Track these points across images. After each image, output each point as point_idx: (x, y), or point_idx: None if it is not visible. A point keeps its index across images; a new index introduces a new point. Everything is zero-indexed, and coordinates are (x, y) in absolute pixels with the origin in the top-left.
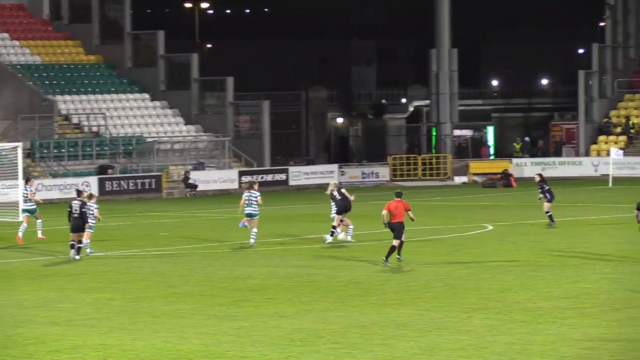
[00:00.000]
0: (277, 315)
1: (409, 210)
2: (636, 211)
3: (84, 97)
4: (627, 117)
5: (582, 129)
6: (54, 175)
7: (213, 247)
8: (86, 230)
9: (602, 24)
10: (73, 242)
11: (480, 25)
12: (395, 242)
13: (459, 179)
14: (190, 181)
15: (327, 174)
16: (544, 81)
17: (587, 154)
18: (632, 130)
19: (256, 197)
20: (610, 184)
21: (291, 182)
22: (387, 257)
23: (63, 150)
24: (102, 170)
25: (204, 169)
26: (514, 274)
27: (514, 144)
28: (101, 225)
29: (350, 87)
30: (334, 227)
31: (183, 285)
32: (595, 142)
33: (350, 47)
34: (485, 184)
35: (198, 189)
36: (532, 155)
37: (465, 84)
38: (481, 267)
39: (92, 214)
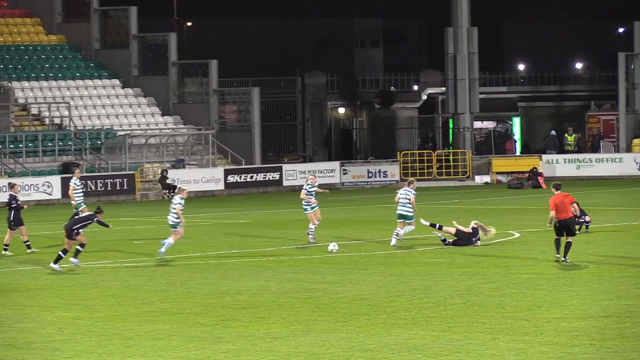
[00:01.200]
0: (269, 337)
1: (575, 202)
2: None
3: (44, 83)
4: None
5: (623, 121)
6: (10, 175)
7: (195, 258)
8: (173, 230)
9: None
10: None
11: (504, 0)
12: (570, 239)
13: (480, 179)
14: (168, 181)
15: (327, 172)
16: (579, 65)
17: (628, 149)
18: None
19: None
20: None
21: (285, 182)
22: (565, 255)
23: (21, 146)
24: (65, 168)
25: (183, 167)
26: (544, 288)
27: (566, 135)
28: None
29: (353, 72)
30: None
31: (160, 302)
32: (637, 136)
33: (352, 26)
34: (511, 185)
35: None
36: (560, 152)
37: (486, 69)
38: (506, 281)
39: (175, 211)
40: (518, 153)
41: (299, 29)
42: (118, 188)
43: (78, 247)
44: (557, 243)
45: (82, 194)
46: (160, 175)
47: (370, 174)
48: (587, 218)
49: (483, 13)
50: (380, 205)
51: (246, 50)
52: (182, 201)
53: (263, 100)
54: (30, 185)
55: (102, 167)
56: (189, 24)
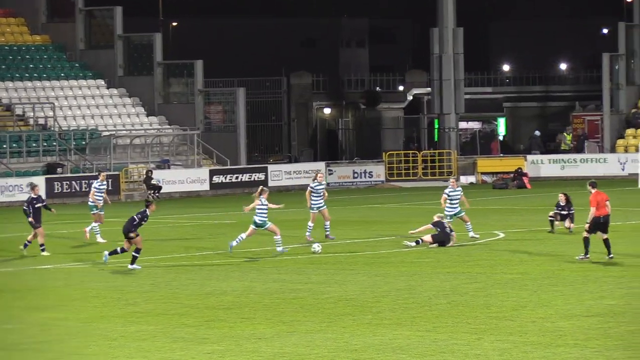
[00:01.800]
0: (254, 338)
1: (608, 200)
2: None
3: (28, 83)
4: None
5: (607, 121)
6: None
7: (180, 259)
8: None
9: None
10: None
11: (490, 0)
12: (605, 236)
13: (465, 179)
14: (153, 181)
15: (312, 173)
16: (563, 66)
17: (612, 149)
18: None
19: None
20: (639, 185)
21: (271, 183)
22: (609, 252)
23: (4, 146)
24: (50, 169)
25: (169, 168)
26: (529, 288)
27: (564, 133)
28: (49, 233)
29: (339, 73)
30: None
31: (145, 303)
32: (622, 137)
33: (339, 26)
34: (496, 185)
35: (162, 191)
36: (545, 152)
37: (472, 69)
38: (491, 281)
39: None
40: (502, 153)
41: (285, 29)
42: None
43: (133, 252)
44: (587, 242)
45: (100, 199)
46: (145, 176)
47: (355, 175)
48: (567, 223)
49: (469, 14)
50: (365, 206)
51: (232, 50)
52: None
53: (249, 100)
54: (15, 186)
55: (86, 168)
56: (175, 24)
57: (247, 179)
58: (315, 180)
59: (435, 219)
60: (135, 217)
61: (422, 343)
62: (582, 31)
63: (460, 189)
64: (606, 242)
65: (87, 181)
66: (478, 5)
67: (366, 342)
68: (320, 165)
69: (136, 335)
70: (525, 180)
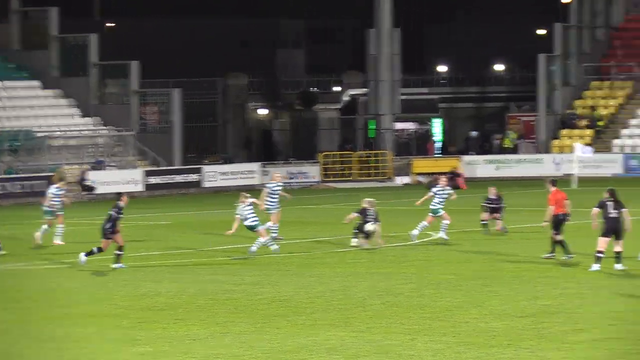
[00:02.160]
0: (188, 339)
1: (567, 199)
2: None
3: None
4: (593, 107)
5: (543, 122)
6: None
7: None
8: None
9: (565, 0)
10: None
11: (426, 2)
12: (560, 237)
13: (400, 180)
14: (87, 182)
15: (247, 174)
16: (499, 67)
17: (547, 150)
18: (599, 123)
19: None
20: (575, 185)
21: (205, 184)
22: (567, 253)
23: None
24: None
25: (103, 169)
26: (462, 289)
27: (509, 131)
28: None
29: (276, 74)
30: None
31: (77, 304)
32: (557, 137)
33: (276, 27)
34: (429, 185)
35: (96, 192)
36: (481, 153)
37: (408, 70)
38: (425, 282)
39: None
40: (437, 154)
41: (222, 29)
42: (36, 190)
43: (116, 251)
44: (561, 243)
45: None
46: (79, 177)
47: (291, 175)
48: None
49: (406, 15)
50: (300, 207)
51: (169, 51)
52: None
53: (185, 101)
54: None
55: (20, 169)
56: (111, 24)
57: (181, 180)
58: (272, 182)
59: (363, 205)
60: (112, 213)
61: (355, 344)
62: (518, 32)
63: (449, 188)
64: (562, 243)
65: (21, 183)
66: (415, 6)
67: (300, 343)
68: (255, 166)
69: (68, 337)
70: (460, 180)
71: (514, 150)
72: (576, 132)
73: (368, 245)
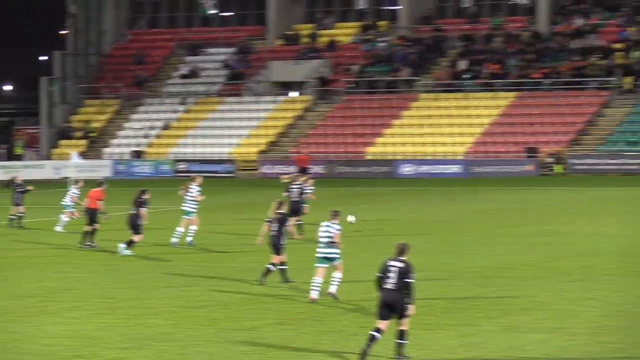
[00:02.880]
0: None
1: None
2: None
3: None
4: (87, 122)
5: (45, 133)
6: None
7: None
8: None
9: (64, 31)
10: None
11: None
12: (91, 228)
13: None
14: None
15: None
16: (7, 87)
17: (49, 157)
18: (91, 134)
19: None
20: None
21: None
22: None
23: None
24: None
25: None
26: None
27: (18, 142)
28: None
29: None
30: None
31: None
32: (57, 147)
33: None
34: None
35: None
36: None
37: None
38: None
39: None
40: None
41: None
42: None
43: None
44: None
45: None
46: None
47: None
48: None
49: None
50: None
51: None
52: None
53: None
54: None
55: None
56: None
57: None
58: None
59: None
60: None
61: None
62: (24, 57)
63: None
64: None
65: None
66: None
67: None
68: None
69: None
70: None
71: (20, 157)
72: (73, 142)
73: None
